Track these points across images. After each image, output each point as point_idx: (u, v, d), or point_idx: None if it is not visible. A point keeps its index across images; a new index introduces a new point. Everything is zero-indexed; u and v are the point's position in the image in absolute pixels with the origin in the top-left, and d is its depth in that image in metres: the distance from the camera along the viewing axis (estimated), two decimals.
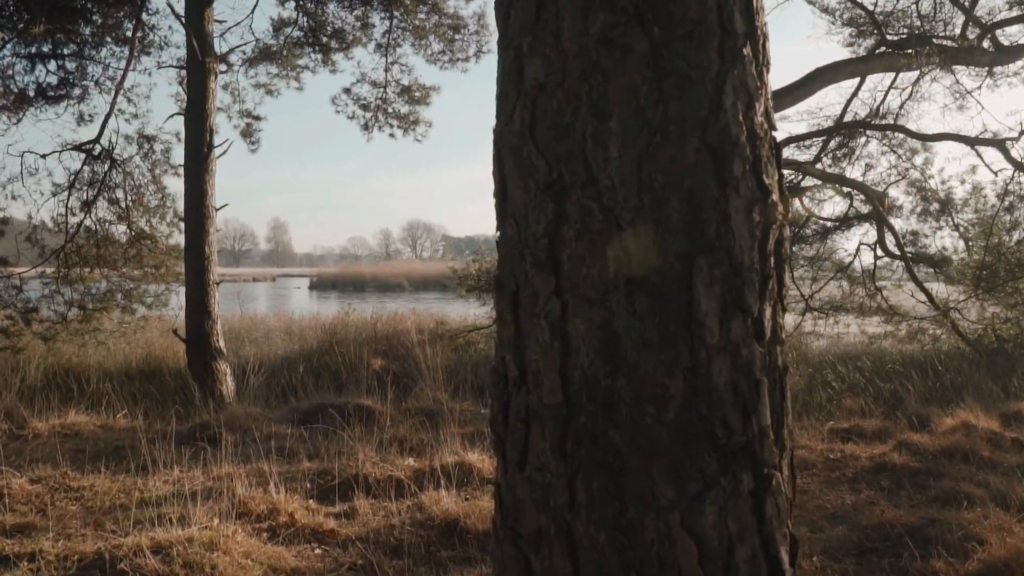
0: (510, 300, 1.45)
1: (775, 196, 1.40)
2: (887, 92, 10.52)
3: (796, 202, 10.51)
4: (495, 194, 1.50)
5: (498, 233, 1.51)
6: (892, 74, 10.44)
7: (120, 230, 9.20)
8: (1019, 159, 9.38)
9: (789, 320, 11.40)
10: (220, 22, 9.87)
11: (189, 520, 4.82)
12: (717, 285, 1.31)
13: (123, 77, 8.78)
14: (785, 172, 10.34)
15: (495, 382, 1.50)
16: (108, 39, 8.86)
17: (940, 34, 10.13)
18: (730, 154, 1.34)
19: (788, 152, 10.08)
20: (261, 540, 4.71)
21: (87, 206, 8.98)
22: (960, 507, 5.07)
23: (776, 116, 10.39)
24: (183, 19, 8.49)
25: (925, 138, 9.54)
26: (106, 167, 8.96)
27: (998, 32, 9.57)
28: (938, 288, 10.80)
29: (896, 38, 9.99)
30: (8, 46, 8.47)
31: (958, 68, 9.88)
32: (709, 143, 1.33)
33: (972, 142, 9.29)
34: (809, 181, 10.13)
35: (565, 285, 1.37)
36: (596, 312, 1.34)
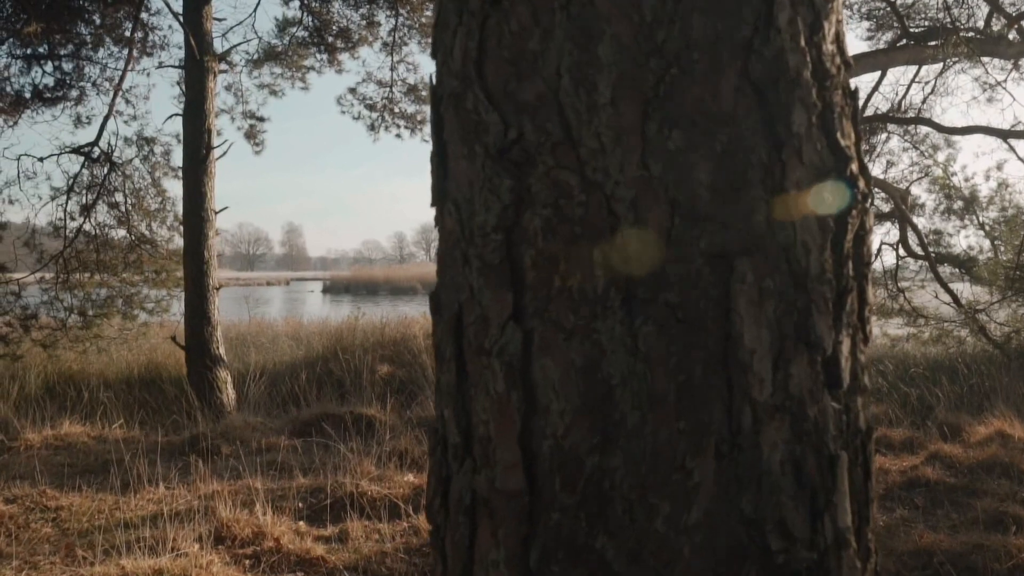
0: (450, 328, 0.94)
1: (855, 166, 0.88)
2: (909, 86, 9.93)
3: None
4: (432, 170, 0.99)
5: (436, 227, 1.00)
6: (914, 68, 9.85)
7: (120, 235, 8.77)
8: None
9: None
10: (220, 20, 9.43)
11: (166, 546, 4.34)
12: (769, 305, 0.80)
13: (122, 78, 8.36)
14: None
15: (431, 448, 1.00)
16: (107, 39, 8.44)
17: (963, 26, 9.52)
18: (788, 98, 0.83)
19: None
20: (240, 569, 4.22)
21: (86, 210, 8.56)
22: (1007, 531, 4.51)
23: None
24: (180, 17, 8.05)
25: (954, 131, 8.93)
26: (105, 170, 8.53)
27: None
28: (962, 289, 10.17)
29: (918, 30, 9.40)
30: (4, 47, 8.07)
31: (984, 60, 9.27)
32: (754, 80, 0.82)
33: (1005, 135, 8.67)
34: None
35: (529, 305, 0.86)
36: (576, 347, 0.83)
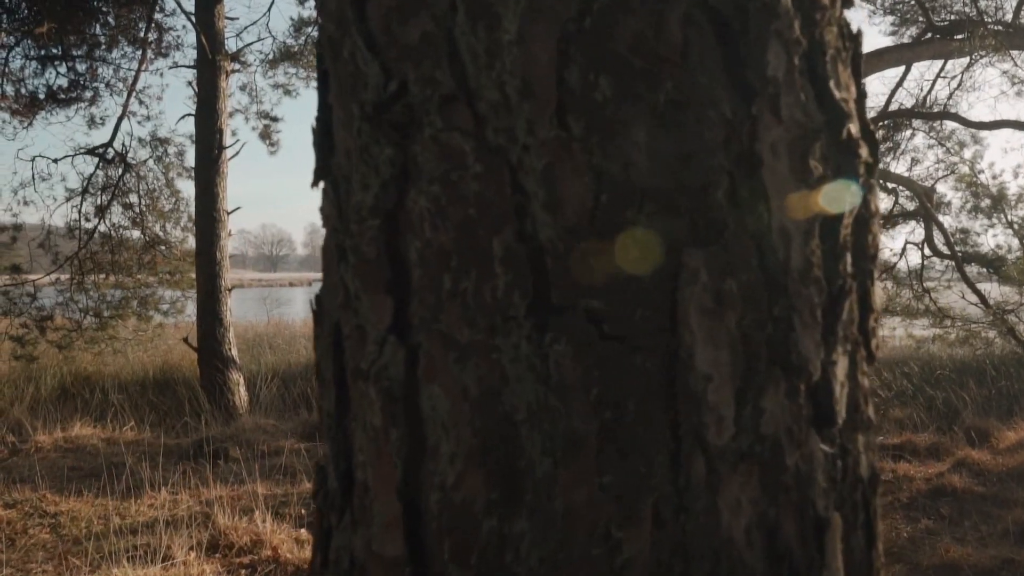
0: (330, 342, 0.72)
1: (853, 127, 0.65)
2: (935, 81, 9.56)
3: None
4: (314, 142, 0.77)
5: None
6: (940, 63, 9.48)
7: (134, 235, 8.66)
8: None
9: None
10: (232, 19, 9.29)
11: (163, 554, 4.18)
12: (732, 314, 0.57)
13: (135, 78, 8.26)
14: None
15: (314, 492, 0.78)
16: (122, 39, 8.33)
17: (991, 18, 9.13)
18: (760, 32, 0.60)
19: None
20: None
21: (101, 211, 8.46)
22: None
23: None
24: (192, 16, 7.91)
25: (981, 126, 8.56)
26: (120, 171, 8.43)
27: None
28: (990, 289, 9.78)
29: (943, 24, 9.04)
30: (19, 48, 7.99)
31: (1012, 53, 8.89)
32: (712, 6, 0.59)
33: None
34: None
35: (415, 314, 0.63)
36: (471, 371, 0.60)
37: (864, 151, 0.66)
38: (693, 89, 0.58)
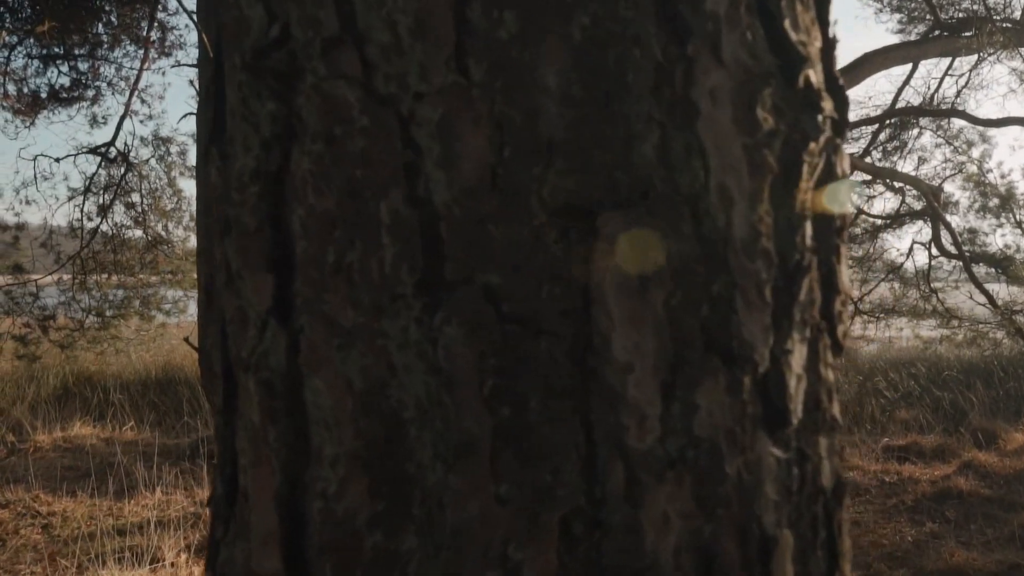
0: (218, 327, 0.63)
1: (812, 73, 0.55)
2: (942, 79, 9.39)
3: (844, 199, 9.49)
4: (199, 102, 0.68)
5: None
6: (947, 60, 9.33)
7: (136, 235, 8.59)
8: None
9: None
10: None
11: (153, 555, 4.10)
12: (658, 292, 0.47)
13: (138, 77, 8.19)
14: None
15: (209, 498, 0.68)
16: (124, 38, 8.25)
17: (999, 16, 8.98)
18: None
19: None
20: None
21: (103, 210, 8.38)
22: None
23: None
24: (193, 15, 7.83)
25: (988, 123, 8.40)
26: (122, 170, 8.36)
27: None
28: (998, 289, 9.62)
29: (951, 21, 8.89)
30: (22, 48, 7.93)
31: (1022, 51, 8.74)
32: None
33: None
34: (857, 176, 9.08)
35: (299, 294, 0.54)
36: (355, 360, 0.51)
37: (828, 104, 0.56)
38: (615, 24, 0.48)
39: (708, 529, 0.47)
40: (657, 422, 0.46)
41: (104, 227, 8.48)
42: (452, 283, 0.48)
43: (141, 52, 8.30)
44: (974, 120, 8.53)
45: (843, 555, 0.55)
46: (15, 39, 7.63)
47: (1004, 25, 8.22)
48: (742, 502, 0.47)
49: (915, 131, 9.58)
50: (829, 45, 0.60)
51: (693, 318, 0.47)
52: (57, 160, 8.22)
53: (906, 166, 9.77)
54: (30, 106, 7.98)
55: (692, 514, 0.46)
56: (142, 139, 10.37)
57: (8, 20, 7.60)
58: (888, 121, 9.22)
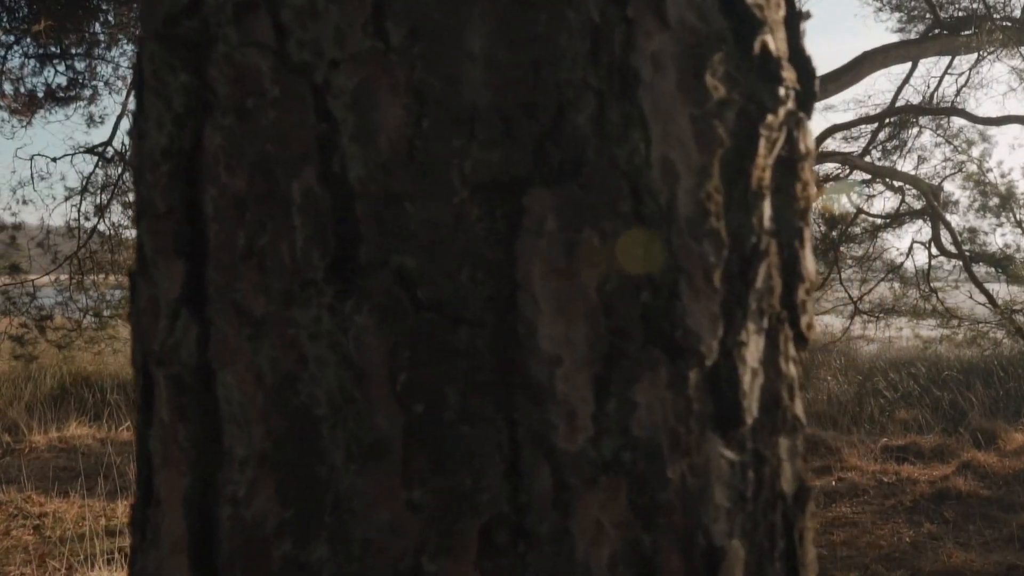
0: (136, 321, 0.58)
1: (770, 39, 0.50)
2: (941, 77, 9.33)
3: (844, 198, 9.44)
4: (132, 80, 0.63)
5: None
6: (947, 59, 9.27)
7: (134, 235, 8.54)
8: None
9: (836, 324, 10.30)
10: None
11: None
12: (590, 274, 0.42)
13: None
14: (831, 165, 9.28)
15: (133, 505, 0.64)
16: (121, 37, 8.22)
17: (998, 15, 8.92)
18: None
19: (834, 144, 8.98)
20: None
21: (100, 210, 8.35)
22: None
23: (820, 104, 9.25)
24: None
25: (988, 122, 8.34)
26: (119, 170, 8.32)
27: None
28: (998, 289, 9.56)
29: (951, 20, 8.83)
30: (19, 48, 7.90)
31: (1022, 50, 8.68)
32: None
33: None
34: (857, 175, 9.04)
35: (212, 281, 0.49)
36: (267, 352, 0.46)
37: (790, 75, 0.51)
38: None
39: (647, 539, 0.42)
40: (589, 421, 0.41)
41: (101, 227, 8.45)
42: (366, 267, 0.43)
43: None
44: (974, 119, 8.47)
45: (805, 567, 0.50)
46: (12, 38, 7.60)
47: (1004, 23, 8.17)
48: (687, 509, 0.43)
49: (915, 130, 9.53)
50: (795, 15, 0.55)
51: (631, 305, 0.42)
52: (54, 160, 8.20)
53: (906, 165, 9.72)
54: (27, 105, 7.95)
55: (629, 523, 0.42)
56: None
57: (5, 19, 7.57)
58: (888, 120, 9.17)
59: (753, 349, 0.47)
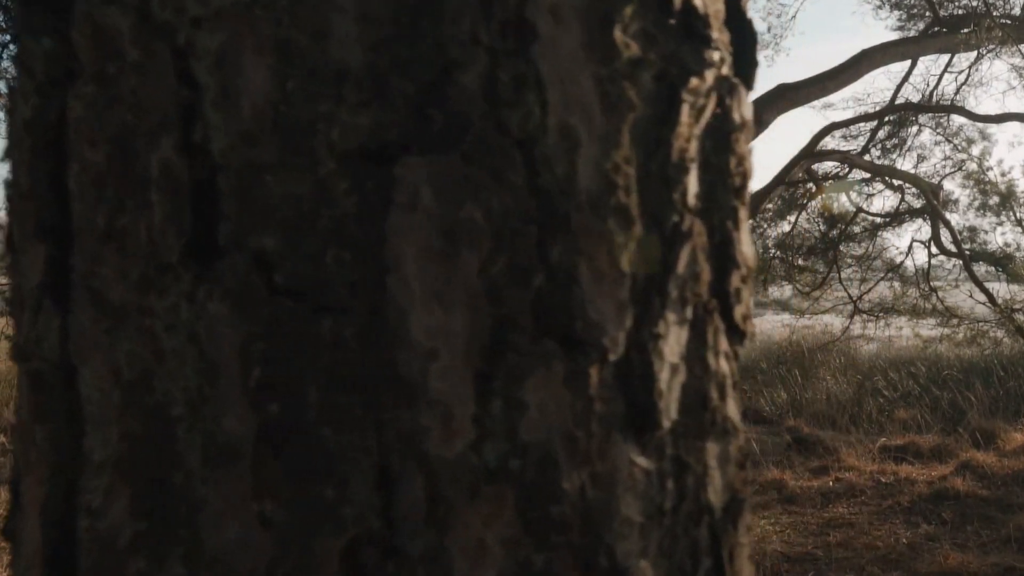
0: (17, 311, 0.53)
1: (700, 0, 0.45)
2: (941, 76, 9.24)
3: (843, 197, 9.37)
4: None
5: None
6: (946, 57, 9.19)
7: None
8: None
9: (836, 323, 10.22)
10: None
11: None
12: (470, 257, 0.37)
13: None
14: (830, 164, 9.20)
15: None
16: None
17: (998, 13, 8.84)
18: None
19: (833, 142, 8.90)
20: None
21: None
22: None
23: (819, 103, 9.15)
24: None
25: (987, 119, 8.26)
26: None
27: None
28: (998, 288, 9.47)
29: (949, 18, 8.75)
30: (13, 47, 7.85)
31: (1022, 48, 8.60)
32: None
33: None
34: (856, 174, 8.97)
35: (75, 268, 0.44)
36: (124, 344, 0.41)
37: (722, 37, 0.46)
38: None
39: (539, 559, 0.36)
40: (469, 423, 0.35)
41: None
42: (225, 249, 0.38)
43: None
44: (973, 116, 8.39)
45: None
46: (7, 37, 7.56)
47: (1003, 21, 8.09)
48: (586, 525, 0.37)
49: (914, 128, 9.44)
50: None
51: (521, 291, 0.36)
52: None
53: (905, 164, 9.64)
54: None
55: (517, 540, 0.36)
56: None
57: (1, 18, 7.53)
58: (887, 118, 9.09)
59: (673, 342, 0.41)
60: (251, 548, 0.35)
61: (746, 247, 0.47)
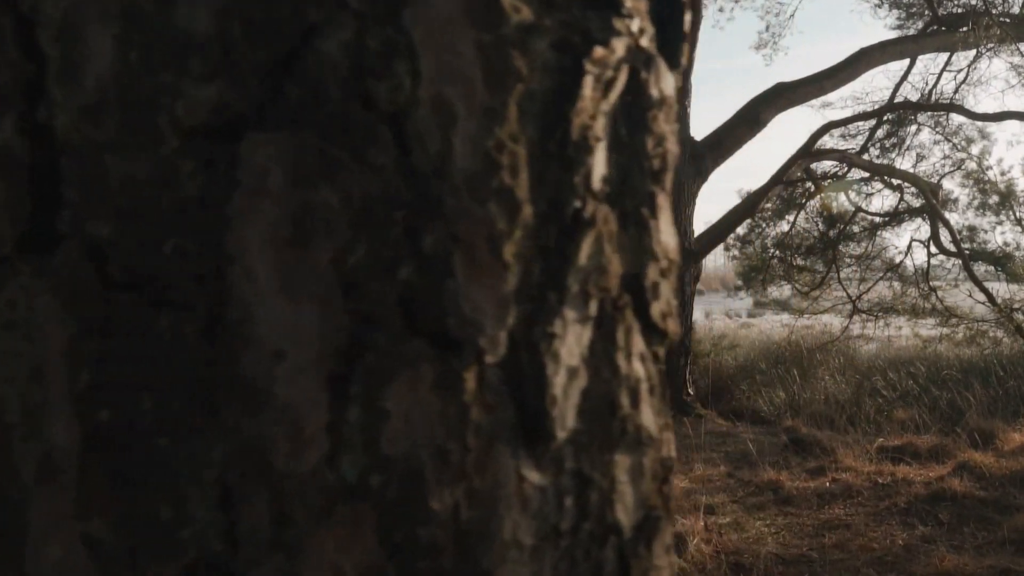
0: None
1: None
2: (940, 74, 9.20)
3: (842, 196, 9.32)
4: None
5: None
6: (945, 56, 9.14)
7: None
8: None
9: (835, 323, 10.16)
10: None
11: None
12: (323, 245, 0.32)
13: None
14: (829, 163, 9.15)
15: None
16: None
17: (997, 11, 8.78)
18: None
19: (831, 141, 8.85)
20: None
21: None
22: None
23: (817, 102, 9.09)
24: None
25: (985, 118, 8.21)
26: None
27: None
28: (998, 287, 9.41)
29: (948, 16, 8.70)
30: None
31: (1021, 47, 8.54)
32: None
33: None
34: (855, 173, 8.91)
35: None
36: None
37: (636, 4, 0.41)
38: None
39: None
40: (322, 434, 0.31)
41: None
42: (63, 238, 0.34)
43: None
44: (972, 115, 8.34)
45: None
46: None
47: (1002, 19, 8.03)
48: (461, 549, 0.33)
49: (913, 128, 9.39)
50: None
51: (385, 284, 0.32)
52: None
53: (904, 163, 9.59)
54: None
55: (379, 567, 0.32)
56: None
57: None
58: (886, 117, 9.04)
59: (571, 343, 0.37)
60: (74, 572, 0.31)
61: (666, 237, 0.42)
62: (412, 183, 0.33)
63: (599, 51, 0.38)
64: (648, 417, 0.41)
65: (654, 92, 0.42)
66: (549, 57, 0.37)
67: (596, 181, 0.38)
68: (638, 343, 0.41)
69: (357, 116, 0.33)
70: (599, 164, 0.39)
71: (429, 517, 0.32)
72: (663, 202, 0.42)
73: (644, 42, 0.42)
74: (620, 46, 0.39)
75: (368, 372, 0.32)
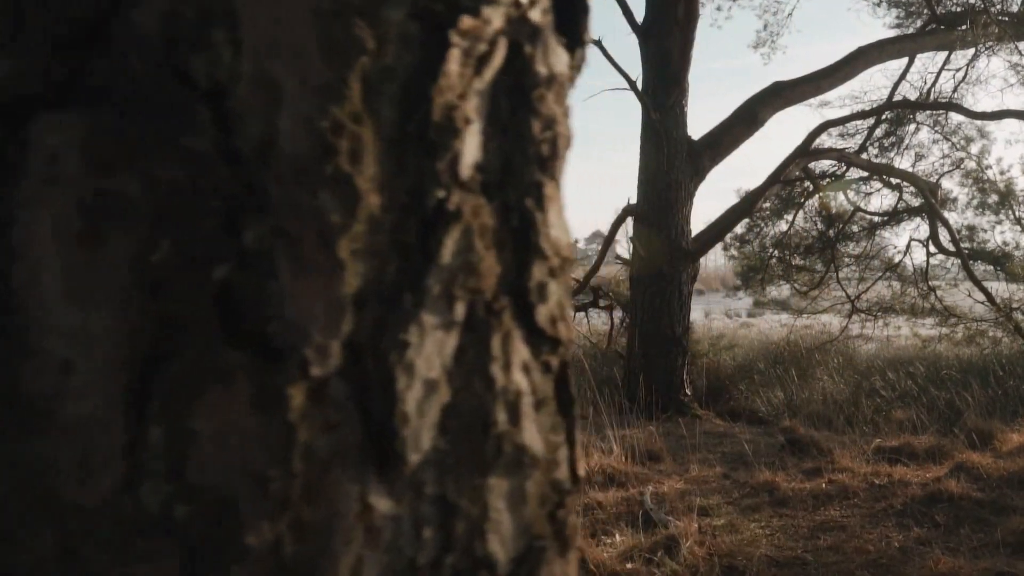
0: None
1: None
2: (938, 74, 9.13)
3: (841, 196, 9.27)
4: None
5: None
6: (943, 55, 9.08)
7: None
8: None
9: (835, 323, 10.10)
10: None
11: None
12: (119, 239, 0.28)
13: None
14: (827, 162, 9.08)
15: None
16: None
17: (996, 10, 8.72)
18: None
19: (830, 140, 8.79)
20: None
21: None
22: None
23: (815, 101, 9.03)
24: None
25: (984, 117, 8.14)
26: None
27: None
28: (997, 287, 9.35)
29: (946, 14, 8.65)
30: None
31: (1020, 46, 8.49)
32: None
33: None
34: (854, 172, 8.86)
35: None
36: None
37: None
38: None
39: None
40: (117, 458, 0.27)
41: None
42: None
43: None
44: (970, 114, 8.27)
45: None
46: None
47: (1000, 18, 7.98)
48: None
49: (912, 127, 9.33)
50: None
51: (195, 286, 0.28)
52: None
53: (903, 162, 9.53)
54: None
55: None
56: None
57: None
58: (885, 116, 8.98)
59: (430, 352, 0.33)
60: None
61: (556, 232, 0.38)
62: (234, 170, 0.29)
63: (467, 21, 0.34)
64: (532, 435, 0.37)
65: (541, 69, 0.38)
66: (410, 28, 0.33)
67: (465, 168, 0.34)
68: (520, 351, 0.37)
69: (170, 94, 0.29)
70: (469, 149, 0.34)
71: (244, 553, 0.28)
72: (553, 192, 0.38)
73: (534, 15, 0.38)
74: (496, 16, 0.35)
75: (173, 386, 0.27)
